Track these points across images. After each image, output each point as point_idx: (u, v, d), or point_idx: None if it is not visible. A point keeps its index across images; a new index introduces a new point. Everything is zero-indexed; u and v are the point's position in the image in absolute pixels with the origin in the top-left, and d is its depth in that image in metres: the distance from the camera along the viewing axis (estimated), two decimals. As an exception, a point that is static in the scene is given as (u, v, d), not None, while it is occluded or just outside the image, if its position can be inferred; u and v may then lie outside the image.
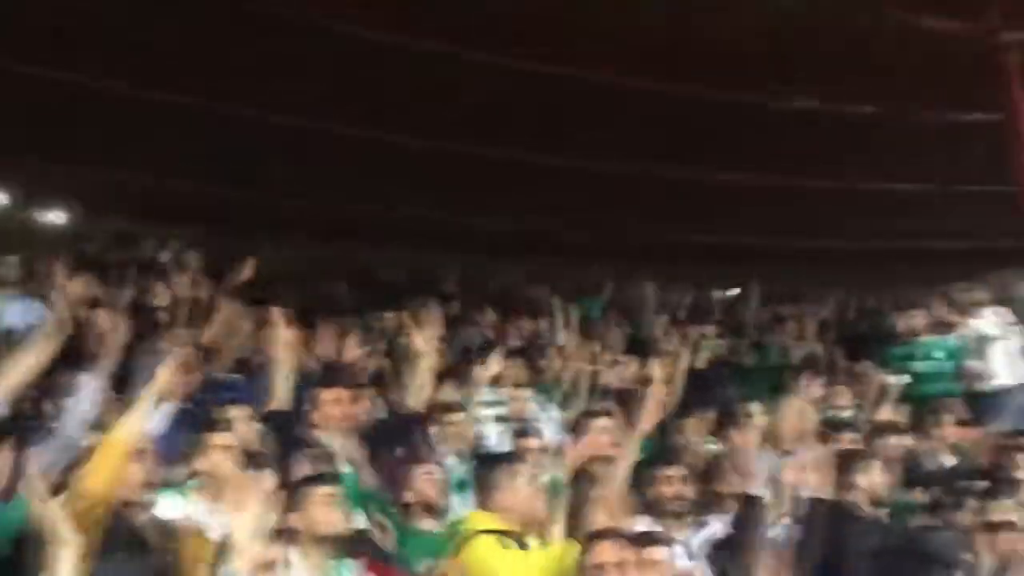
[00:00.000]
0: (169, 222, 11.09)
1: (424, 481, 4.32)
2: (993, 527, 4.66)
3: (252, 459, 4.14)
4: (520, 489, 3.69)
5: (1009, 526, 4.62)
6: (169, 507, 3.77)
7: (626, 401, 6.12)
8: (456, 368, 6.47)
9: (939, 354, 7.51)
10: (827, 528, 4.64)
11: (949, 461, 6.09)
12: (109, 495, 3.36)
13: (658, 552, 3.31)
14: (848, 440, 5.62)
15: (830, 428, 5.83)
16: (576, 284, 10.31)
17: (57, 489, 3.44)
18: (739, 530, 4.30)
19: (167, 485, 4.01)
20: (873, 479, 4.91)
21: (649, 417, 5.74)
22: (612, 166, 10.86)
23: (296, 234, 11.56)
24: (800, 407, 6.80)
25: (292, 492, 3.61)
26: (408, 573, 3.85)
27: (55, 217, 11.20)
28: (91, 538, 3.13)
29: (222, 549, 3.30)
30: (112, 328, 4.98)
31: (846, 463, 5.00)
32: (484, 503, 3.73)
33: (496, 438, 5.65)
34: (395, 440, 4.95)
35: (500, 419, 5.87)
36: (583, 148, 10.50)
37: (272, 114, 9.27)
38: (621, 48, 9.16)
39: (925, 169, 11.92)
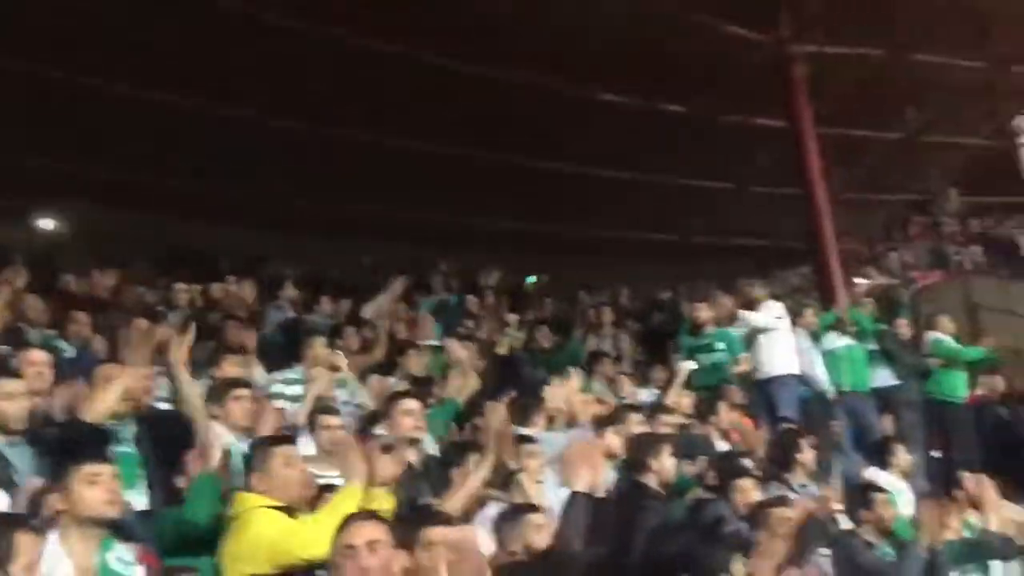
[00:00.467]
0: None
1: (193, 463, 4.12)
2: (764, 504, 4.97)
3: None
4: (281, 471, 3.61)
5: (778, 502, 4.94)
6: None
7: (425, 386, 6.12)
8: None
9: (722, 345, 7.95)
10: (619, 507, 4.84)
11: (723, 446, 6.45)
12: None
13: (436, 532, 3.31)
14: (639, 424, 5.84)
15: (623, 412, 6.03)
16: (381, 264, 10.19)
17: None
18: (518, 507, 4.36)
19: None
20: (663, 462, 5.13)
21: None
22: (419, 145, 10.88)
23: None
24: (595, 392, 7.05)
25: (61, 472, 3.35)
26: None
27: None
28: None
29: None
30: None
31: (638, 446, 5.21)
32: (252, 484, 3.62)
33: (295, 417, 5.49)
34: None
35: (299, 398, 5.70)
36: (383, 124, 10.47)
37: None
38: (452, 31, 9.30)
39: (721, 169, 12.67)
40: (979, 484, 5.63)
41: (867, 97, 11.46)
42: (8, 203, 10.25)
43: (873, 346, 8.37)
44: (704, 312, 8.08)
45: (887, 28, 10.59)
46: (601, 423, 5.67)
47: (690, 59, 10.30)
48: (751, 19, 10.32)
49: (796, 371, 7.71)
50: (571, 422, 6.00)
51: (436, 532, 3.31)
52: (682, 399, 6.85)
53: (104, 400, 4.07)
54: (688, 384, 7.15)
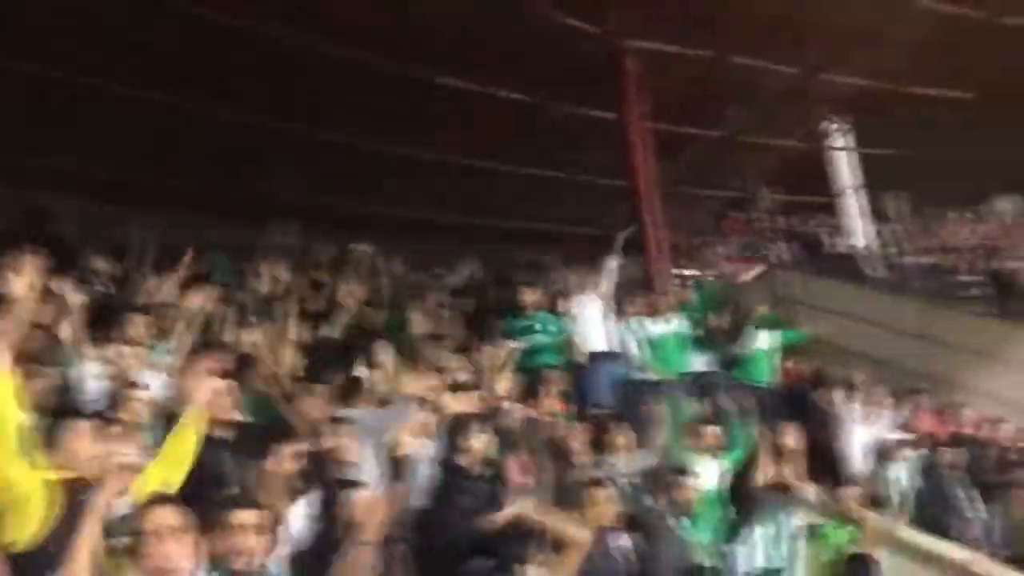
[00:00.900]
0: None
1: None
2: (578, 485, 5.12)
3: None
4: (71, 447, 3.48)
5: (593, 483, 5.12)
6: None
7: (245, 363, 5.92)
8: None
9: (544, 328, 8.11)
10: (436, 486, 4.86)
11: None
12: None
13: (244, 515, 3.22)
14: (459, 403, 5.86)
15: (452, 392, 6.04)
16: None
17: None
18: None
19: None
20: (480, 442, 5.16)
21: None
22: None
23: None
24: (418, 370, 7.01)
25: None
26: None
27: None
28: None
29: None
30: None
31: (457, 427, 5.22)
32: (45, 458, 3.47)
33: (98, 393, 5.19)
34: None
35: (102, 375, 5.39)
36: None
37: None
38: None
39: (549, 158, 12.88)
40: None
41: (692, 96, 11.94)
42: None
43: (692, 333, 8.77)
44: (529, 295, 8.20)
45: (711, 31, 11.06)
46: (422, 402, 5.65)
47: (524, 47, 10.42)
48: (586, 12, 10.54)
49: (613, 354, 7.96)
50: (392, 401, 5.94)
51: (238, 516, 3.23)
52: (503, 380, 6.91)
53: None
54: (510, 365, 7.23)
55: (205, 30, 9.19)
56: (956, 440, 8.82)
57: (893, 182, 14.62)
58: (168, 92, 9.88)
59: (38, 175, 10.13)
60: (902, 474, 8.02)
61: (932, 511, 7.76)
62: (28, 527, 3.19)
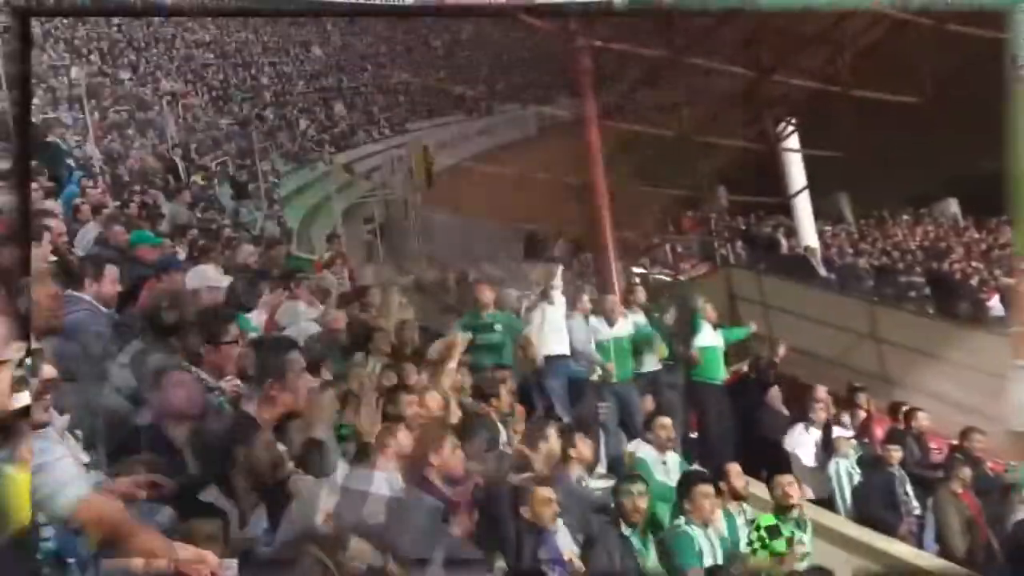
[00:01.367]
0: None
1: None
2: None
3: None
4: None
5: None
6: None
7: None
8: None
9: (500, 327, 8.09)
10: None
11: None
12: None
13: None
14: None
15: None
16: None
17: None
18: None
19: None
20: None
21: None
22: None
23: None
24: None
25: None
26: None
27: None
28: None
29: None
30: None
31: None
32: None
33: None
34: None
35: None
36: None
37: None
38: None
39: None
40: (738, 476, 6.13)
41: (648, 94, 12.04)
42: None
43: (645, 332, 8.83)
44: (486, 293, 8.18)
45: (666, 31, 11.16)
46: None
47: (486, 44, 10.43)
48: (543, 9, 10.57)
49: (567, 353, 8.01)
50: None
51: None
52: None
53: None
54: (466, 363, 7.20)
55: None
56: (895, 436, 8.99)
57: (838, 184, 14.85)
58: None
59: None
60: (844, 469, 8.16)
61: (874, 506, 7.92)
62: None
